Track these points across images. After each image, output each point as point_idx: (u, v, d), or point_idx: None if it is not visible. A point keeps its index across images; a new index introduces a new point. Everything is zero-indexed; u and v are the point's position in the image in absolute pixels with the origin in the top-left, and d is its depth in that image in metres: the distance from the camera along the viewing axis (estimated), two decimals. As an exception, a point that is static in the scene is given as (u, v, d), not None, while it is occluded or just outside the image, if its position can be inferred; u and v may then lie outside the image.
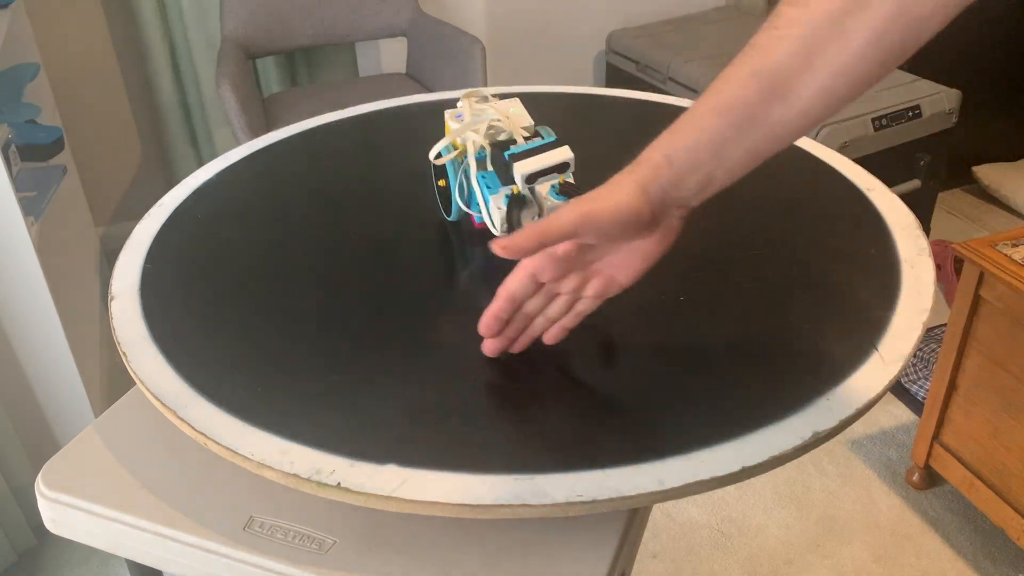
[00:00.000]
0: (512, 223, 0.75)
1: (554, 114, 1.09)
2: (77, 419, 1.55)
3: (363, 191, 0.94)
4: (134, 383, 0.69)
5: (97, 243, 2.15)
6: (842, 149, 1.88)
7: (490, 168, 0.79)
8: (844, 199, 0.87)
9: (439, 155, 0.82)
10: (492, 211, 0.77)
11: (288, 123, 1.15)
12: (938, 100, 1.98)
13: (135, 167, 2.39)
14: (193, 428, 0.62)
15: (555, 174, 0.74)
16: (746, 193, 0.89)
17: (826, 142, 1.85)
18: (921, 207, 2.10)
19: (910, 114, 1.94)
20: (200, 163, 2.36)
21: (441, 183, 0.86)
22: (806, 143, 0.98)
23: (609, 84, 2.60)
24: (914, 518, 1.54)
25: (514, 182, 0.74)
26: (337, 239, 0.85)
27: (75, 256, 1.86)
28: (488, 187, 0.78)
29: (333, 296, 0.76)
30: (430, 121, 1.09)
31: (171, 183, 2.39)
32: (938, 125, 2.00)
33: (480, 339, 0.67)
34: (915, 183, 2.03)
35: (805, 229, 0.83)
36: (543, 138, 0.77)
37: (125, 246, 0.85)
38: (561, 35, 2.56)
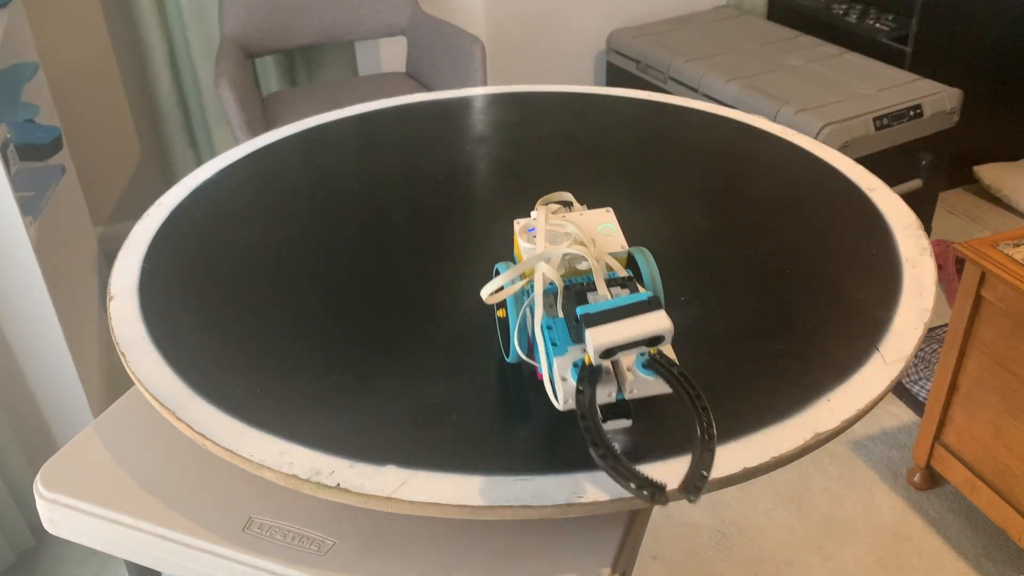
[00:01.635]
0: (581, 403, 0.54)
1: (554, 114, 1.09)
2: (76, 420, 1.54)
3: (363, 191, 0.93)
4: (133, 383, 0.69)
5: (95, 243, 2.15)
6: (843, 149, 1.88)
7: (560, 314, 0.61)
8: (845, 199, 0.87)
9: (499, 288, 0.62)
10: (555, 379, 0.57)
11: (287, 122, 1.14)
12: (939, 100, 1.97)
13: (134, 167, 2.38)
14: (192, 429, 0.62)
15: (643, 347, 0.55)
16: (747, 193, 0.89)
17: (827, 142, 1.85)
18: (922, 207, 2.10)
19: (911, 114, 1.94)
20: (199, 163, 2.36)
21: (500, 313, 0.67)
22: (807, 143, 0.98)
23: (609, 84, 2.59)
24: (915, 519, 1.54)
25: (581, 342, 0.57)
26: (336, 239, 0.85)
27: (73, 256, 1.86)
28: (553, 343, 0.58)
29: (333, 296, 0.76)
30: (430, 121, 1.09)
31: (170, 183, 2.40)
32: (939, 125, 2.00)
33: (480, 339, 0.66)
34: (916, 183, 2.03)
35: (806, 229, 0.82)
36: (635, 290, 0.59)
37: (124, 246, 0.84)
38: (561, 35, 2.56)
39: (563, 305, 0.60)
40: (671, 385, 0.55)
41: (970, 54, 2.25)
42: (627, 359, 0.57)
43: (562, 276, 0.63)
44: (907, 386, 1.81)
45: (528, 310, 0.63)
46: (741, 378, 0.64)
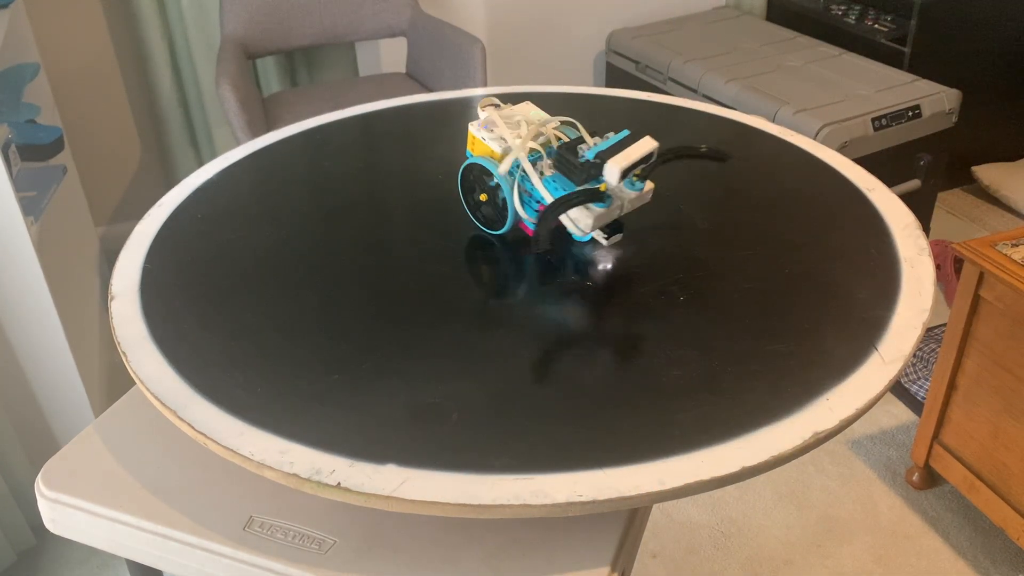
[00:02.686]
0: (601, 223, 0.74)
1: (554, 114, 1.09)
2: (77, 419, 1.55)
3: (363, 191, 0.94)
4: (134, 383, 0.69)
5: (97, 243, 2.15)
6: (842, 149, 1.88)
7: (548, 172, 0.77)
8: (844, 199, 0.87)
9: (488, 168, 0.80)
10: (577, 215, 0.75)
11: (288, 123, 1.15)
12: (938, 100, 1.98)
13: (135, 167, 2.38)
14: (193, 428, 0.62)
15: (639, 167, 0.75)
16: (745, 193, 0.89)
17: (826, 142, 1.85)
18: (921, 207, 2.10)
19: (910, 114, 1.94)
20: (200, 163, 2.36)
21: (483, 197, 0.82)
22: (806, 143, 0.98)
23: (609, 84, 2.60)
24: (914, 518, 1.54)
25: (589, 182, 0.74)
26: (337, 239, 0.85)
27: (75, 256, 1.86)
28: (564, 189, 0.76)
29: (333, 296, 0.76)
30: (430, 121, 1.09)
31: (171, 183, 2.41)
32: (938, 125, 2.00)
33: (480, 338, 0.67)
34: (915, 183, 2.03)
35: (805, 229, 0.83)
36: (585, 132, 0.76)
37: (125, 246, 0.85)
38: (561, 35, 2.56)
39: (559, 160, 0.75)
40: (666, 159, 0.76)
41: (969, 54, 2.25)
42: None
43: (541, 146, 0.78)
44: (906, 385, 1.81)
45: (520, 182, 0.78)
46: (740, 378, 0.65)
